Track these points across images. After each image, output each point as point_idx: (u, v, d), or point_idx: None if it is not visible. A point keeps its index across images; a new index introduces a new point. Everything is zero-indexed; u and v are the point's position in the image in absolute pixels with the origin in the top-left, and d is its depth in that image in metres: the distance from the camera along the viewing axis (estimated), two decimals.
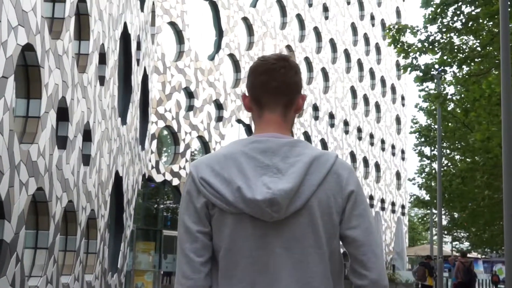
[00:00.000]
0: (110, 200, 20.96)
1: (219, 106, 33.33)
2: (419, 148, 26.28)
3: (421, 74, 12.17)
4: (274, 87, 2.20)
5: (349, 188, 2.12)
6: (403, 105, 61.45)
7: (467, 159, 21.84)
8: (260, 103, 2.23)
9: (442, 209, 33.82)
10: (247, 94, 2.28)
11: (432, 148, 25.11)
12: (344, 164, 2.16)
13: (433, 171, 25.63)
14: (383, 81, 56.66)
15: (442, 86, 19.10)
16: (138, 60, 23.66)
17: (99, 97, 17.97)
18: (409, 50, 12.99)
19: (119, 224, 22.38)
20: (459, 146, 23.05)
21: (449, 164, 23.16)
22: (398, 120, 59.94)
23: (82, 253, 16.69)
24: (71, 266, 15.90)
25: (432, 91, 22.78)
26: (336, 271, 2.14)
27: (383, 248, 38.15)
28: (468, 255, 34.85)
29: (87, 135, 17.11)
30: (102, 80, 18.55)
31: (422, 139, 24.89)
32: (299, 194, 2.05)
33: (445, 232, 35.67)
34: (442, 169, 20.13)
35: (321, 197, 2.07)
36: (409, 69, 12.48)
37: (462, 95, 22.07)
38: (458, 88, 20.68)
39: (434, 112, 23.03)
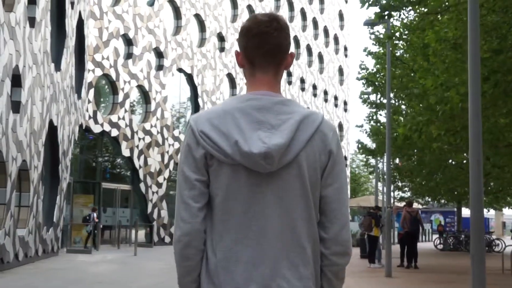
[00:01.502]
0: (44, 150, 19.89)
1: (159, 54, 32.12)
2: (365, 96, 25.81)
3: (379, 10, 11.43)
4: (267, 50, 2.31)
5: (330, 147, 2.29)
6: (346, 56, 61.14)
7: (411, 108, 21.48)
8: (253, 63, 2.35)
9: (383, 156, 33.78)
10: (239, 51, 2.39)
11: (379, 96, 24.67)
12: (329, 124, 2.33)
13: (379, 118, 25.25)
14: (326, 31, 56.06)
15: (391, 30, 18.46)
16: (72, 3, 22.26)
17: (29, 39, 16.70)
18: None
19: (55, 177, 21.30)
20: (403, 96, 22.66)
21: (397, 115, 22.74)
22: (341, 71, 59.67)
23: (13, 206, 15.66)
24: (0, 220, 14.87)
25: (381, 35, 22.28)
26: (317, 219, 2.33)
27: None
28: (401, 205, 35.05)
29: (17, 80, 15.90)
30: (32, 21, 17.26)
31: (369, 87, 24.37)
32: (290, 149, 2.20)
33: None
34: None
35: (308, 153, 2.24)
36: (367, 4, 11.70)
37: (408, 41, 21.60)
38: (407, 33, 20.12)
39: (383, 56, 22.49)
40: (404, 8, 12.42)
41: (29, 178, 17.20)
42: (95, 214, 25.89)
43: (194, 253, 2.25)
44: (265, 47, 2.31)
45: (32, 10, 17.10)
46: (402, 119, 21.94)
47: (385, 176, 35.69)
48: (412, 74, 21.09)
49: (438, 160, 21.40)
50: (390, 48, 17.56)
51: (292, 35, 48.57)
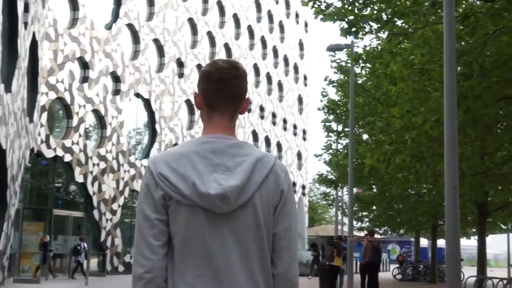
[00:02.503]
0: None
1: (116, 79, 31.38)
2: (326, 124, 25.43)
3: (346, 26, 11.00)
4: (227, 96, 2.43)
5: (282, 187, 2.41)
6: (305, 85, 61.15)
7: (373, 137, 21.19)
8: (211, 106, 2.45)
9: (344, 187, 33.45)
10: (198, 93, 2.49)
11: (341, 124, 24.30)
12: (282, 166, 2.46)
13: (343, 147, 24.83)
14: (286, 60, 56.01)
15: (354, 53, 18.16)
16: (25, 24, 21.46)
17: None
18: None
19: (2, 202, 20.26)
20: (365, 124, 22.37)
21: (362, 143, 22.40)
22: (300, 100, 59.58)
23: None
24: None
25: (343, 63, 22.01)
26: (270, 257, 2.42)
27: None
28: (360, 235, 34.69)
29: None
30: None
31: (330, 115, 24.01)
32: (246, 190, 2.32)
33: (347, 211, 35.33)
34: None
35: (262, 193, 2.36)
36: (320, 16, 11.25)
37: (371, 68, 21.35)
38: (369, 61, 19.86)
39: (345, 84, 22.18)
40: (370, 26, 12.03)
41: None
42: (85, 244, 26.27)
43: None
44: (225, 93, 2.43)
45: None
46: (364, 148, 21.60)
47: (344, 206, 35.42)
48: (373, 103, 20.84)
49: (401, 190, 21.07)
50: (354, 73, 17.22)
51: (252, 63, 48.36)
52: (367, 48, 21.39)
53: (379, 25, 11.43)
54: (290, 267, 2.42)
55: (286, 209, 2.41)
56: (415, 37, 12.55)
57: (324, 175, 26.62)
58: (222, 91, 2.42)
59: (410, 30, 12.28)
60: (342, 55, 23.20)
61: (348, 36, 11.31)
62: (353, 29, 11.26)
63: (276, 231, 2.40)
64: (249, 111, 47.63)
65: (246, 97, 2.53)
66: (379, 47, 19.68)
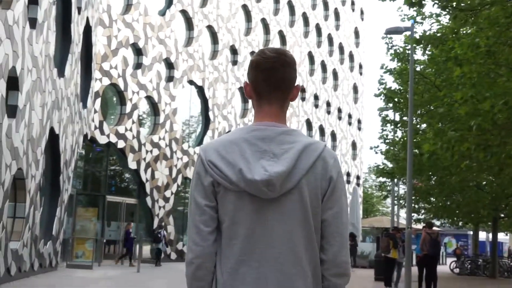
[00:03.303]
0: (45, 160, 18.86)
1: (169, 65, 31.16)
2: (382, 114, 24.64)
3: None
4: (273, 83, 2.47)
5: (331, 174, 2.43)
6: (361, 73, 60.09)
7: (432, 127, 20.38)
8: (260, 95, 2.50)
9: (401, 179, 32.55)
10: (247, 82, 2.54)
11: (398, 113, 23.46)
12: (331, 153, 2.47)
13: (400, 138, 23.96)
14: (341, 48, 55.06)
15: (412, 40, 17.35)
16: (79, 8, 21.34)
17: (29, 40, 15.71)
18: None
19: (55, 187, 20.23)
20: (424, 113, 21.53)
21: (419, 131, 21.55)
22: (355, 89, 58.59)
23: (5, 217, 14.60)
24: None
25: (400, 49, 21.21)
26: (318, 244, 2.44)
27: None
28: (416, 227, 33.72)
29: (13, 83, 14.91)
30: (33, 22, 16.26)
31: (388, 103, 23.19)
32: (291, 176, 2.35)
33: (403, 203, 34.44)
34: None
35: (310, 180, 2.39)
36: None
37: (430, 55, 20.52)
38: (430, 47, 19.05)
39: (404, 72, 21.34)
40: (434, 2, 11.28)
41: (25, 188, 16.16)
42: (165, 232, 27.65)
43: (205, 274, 2.40)
44: (272, 81, 2.46)
45: (33, 10, 16.16)
46: (422, 137, 20.76)
47: (400, 198, 34.50)
48: (433, 90, 19.99)
49: (462, 181, 20.17)
50: (413, 59, 16.45)
51: (306, 51, 47.65)
52: (428, 33, 20.59)
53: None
54: (340, 253, 2.41)
55: (335, 195, 2.43)
56: (482, 16, 11.76)
57: (380, 166, 25.75)
58: (269, 79, 2.46)
59: (477, 6, 11.49)
60: (399, 42, 22.46)
61: (412, 7, 10.62)
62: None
63: (325, 217, 2.42)
64: (303, 99, 46.99)
65: (296, 84, 2.53)
66: (440, 32, 18.85)
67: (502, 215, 29.81)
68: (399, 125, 23.95)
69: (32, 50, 15.96)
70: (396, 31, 17.06)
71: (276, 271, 2.34)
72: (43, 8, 16.84)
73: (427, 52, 22.38)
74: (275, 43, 42.58)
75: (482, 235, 52.99)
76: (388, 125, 24.99)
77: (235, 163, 2.35)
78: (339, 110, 54.41)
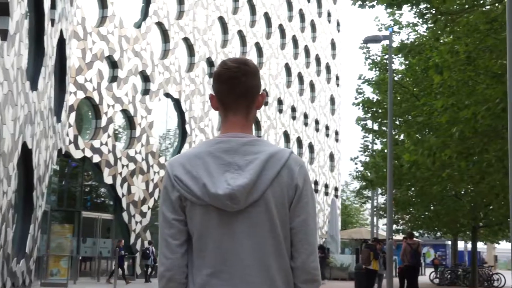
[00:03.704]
0: (18, 175, 18.38)
1: (145, 78, 30.82)
2: (361, 123, 24.47)
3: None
4: (236, 93, 2.47)
5: (297, 182, 2.42)
6: (338, 85, 60.15)
7: (410, 137, 20.26)
8: (224, 106, 2.51)
9: (380, 189, 32.43)
10: (213, 94, 2.55)
11: (376, 123, 23.29)
12: (297, 160, 2.45)
13: (380, 149, 23.79)
14: (318, 60, 55.09)
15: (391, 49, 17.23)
16: (52, 21, 20.94)
17: None
18: None
19: (28, 204, 19.72)
20: (402, 123, 21.40)
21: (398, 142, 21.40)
22: (332, 100, 58.60)
23: None
24: None
25: (378, 58, 21.15)
26: (289, 252, 2.44)
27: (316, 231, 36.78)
28: (397, 238, 33.57)
29: None
30: (4, 34, 15.83)
31: (367, 114, 23.05)
32: (256, 188, 2.35)
33: (382, 213, 34.32)
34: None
35: (275, 189, 2.38)
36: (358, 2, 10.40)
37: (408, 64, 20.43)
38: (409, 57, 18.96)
39: (381, 82, 21.24)
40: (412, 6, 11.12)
41: None
42: (153, 248, 27.74)
43: (176, 286, 2.41)
44: (235, 91, 2.46)
45: (4, 21, 15.76)
46: (401, 148, 20.58)
47: (379, 208, 34.37)
48: (411, 100, 19.88)
49: (442, 190, 20.03)
50: (391, 68, 16.31)
51: (283, 62, 47.57)
52: (405, 42, 20.53)
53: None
54: (309, 259, 2.42)
55: (301, 203, 2.42)
56: (461, 23, 11.62)
57: (361, 172, 25.43)
58: (232, 89, 2.47)
59: (456, 7, 11.33)
60: (376, 51, 22.32)
61: (390, 8, 10.43)
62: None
63: (293, 225, 2.42)
64: (281, 111, 46.84)
65: (261, 92, 2.55)
66: (417, 42, 18.77)
67: (481, 224, 29.76)
68: (377, 135, 23.83)
69: (3, 63, 15.55)
70: (375, 39, 16.94)
71: (246, 282, 2.36)
72: (15, 20, 16.44)
73: (404, 61, 22.33)
74: (252, 55, 42.44)
75: (460, 245, 53.05)
76: (368, 134, 24.86)
77: (199, 177, 2.37)
78: (317, 122, 54.35)
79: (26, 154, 18.69)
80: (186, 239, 2.43)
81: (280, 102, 46.89)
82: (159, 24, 32.20)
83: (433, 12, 11.80)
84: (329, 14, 58.19)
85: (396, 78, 20.83)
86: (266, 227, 2.38)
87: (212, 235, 2.38)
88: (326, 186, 55.56)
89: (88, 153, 26.69)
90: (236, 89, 2.47)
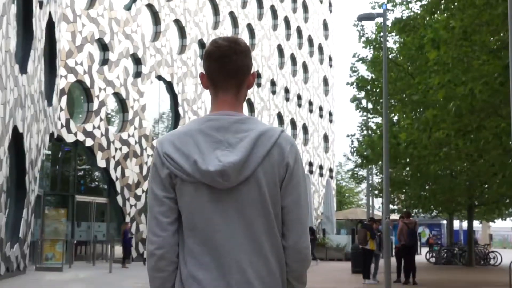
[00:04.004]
0: (9, 159, 18.19)
1: (137, 61, 30.51)
2: (356, 102, 24.26)
3: None
4: (227, 72, 2.47)
5: (287, 160, 2.40)
6: (331, 66, 59.87)
7: (405, 116, 20.09)
8: (215, 85, 2.50)
9: (375, 168, 32.31)
10: (203, 73, 2.54)
11: (372, 101, 23.09)
12: (288, 139, 2.44)
13: (375, 127, 23.61)
14: (310, 41, 54.76)
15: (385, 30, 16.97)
16: (41, 3, 20.62)
17: None
18: None
19: (21, 188, 19.51)
20: (397, 102, 21.21)
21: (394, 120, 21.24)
22: (325, 81, 58.35)
23: None
24: None
25: (373, 35, 20.94)
26: (280, 230, 2.44)
27: (311, 212, 36.47)
28: (392, 217, 33.50)
29: None
30: None
31: (361, 92, 22.84)
32: (247, 165, 2.34)
33: (376, 193, 34.26)
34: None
35: (266, 167, 2.37)
36: None
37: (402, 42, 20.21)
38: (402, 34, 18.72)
39: (376, 60, 21.02)
40: None
41: None
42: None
43: (167, 264, 2.40)
44: (225, 69, 2.46)
45: None
46: (396, 128, 20.37)
47: (373, 188, 34.28)
48: (406, 78, 19.69)
49: (438, 169, 19.87)
50: (386, 46, 16.09)
51: (275, 44, 47.25)
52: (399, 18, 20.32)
53: None
54: (300, 239, 2.43)
55: (293, 182, 2.41)
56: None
57: (358, 148, 25.20)
58: (223, 68, 2.46)
59: None
60: (371, 30, 22.02)
61: None
62: None
63: (284, 204, 2.41)
64: (274, 93, 46.60)
65: (252, 72, 2.54)
66: (411, 20, 18.55)
67: (477, 203, 29.70)
68: (372, 113, 23.66)
69: None
70: (368, 17, 16.68)
71: (238, 260, 2.35)
72: (1, 2, 16.14)
73: (398, 40, 22.11)
74: (244, 36, 42.11)
75: (456, 224, 53.18)
76: (363, 113, 24.68)
77: (190, 154, 2.36)
78: (310, 103, 54.14)
79: (17, 138, 18.48)
80: (176, 217, 2.41)
81: (273, 83, 46.63)
82: (149, 6, 31.84)
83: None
84: None
85: (390, 57, 20.62)
86: (257, 205, 2.37)
87: (202, 213, 2.37)
88: (321, 167, 55.46)
89: (81, 137, 26.44)
90: (227, 67, 2.46)
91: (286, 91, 49.14)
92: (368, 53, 22.15)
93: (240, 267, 2.34)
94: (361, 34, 21.28)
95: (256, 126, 2.41)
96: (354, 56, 22.36)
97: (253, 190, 2.36)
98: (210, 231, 2.36)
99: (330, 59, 59.67)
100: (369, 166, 24.43)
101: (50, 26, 22.61)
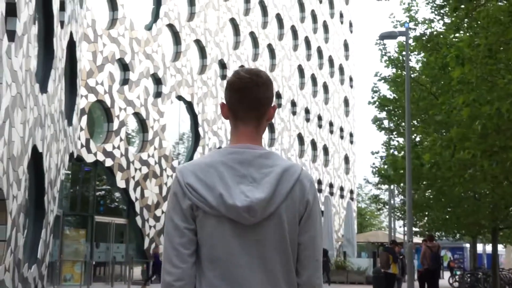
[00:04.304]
0: (29, 179, 18.06)
1: (157, 81, 30.48)
2: (378, 123, 23.93)
3: None
4: (247, 103, 2.45)
5: (308, 198, 2.42)
6: (351, 86, 59.60)
7: (427, 137, 19.74)
8: (235, 116, 2.49)
9: (397, 187, 31.81)
10: (224, 103, 2.53)
11: (394, 121, 22.72)
12: (307, 176, 2.46)
13: (398, 147, 23.25)
14: (331, 61, 54.59)
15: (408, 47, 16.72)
16: (62, 22, 20.62)
17: (7, 54, 14.98)
18: None
19: (40, 208, 19.37)
20: (419, 122, 20.85)
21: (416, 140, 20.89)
22: (346, 102, 58.05)
23: None
24: None
25: (395, 54, 20.68)
26: (295, 267, 2.43)
27: (332, 235, 36.01)
28: (414, 240, 32.91)
29: None
30: (11, 35, 15.54)
31: (382, 112, 22.51)
32: (272, 201, 2.34)
33: (399, 215, 33.74)
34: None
35: (288, 204, 2.37)
36: None
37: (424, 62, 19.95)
38: (424, 53, 18.45)
39: (397, 79, 20.73)
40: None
41: (6, 209, 15.34)
42: None
43: None
44: (246, 101, 2.45)
45: (12, 22, 15.44)
46: (419, 149, 19.99)
47: (396, 210, 33.78)
48: (429, 98, 19.37)
49: (464, 191, 19.43)
50: (408, 64, 15.80)
51: (296, 64, 47.14)
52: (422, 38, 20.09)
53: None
54: (314, 275, 2.43)
55: (311, 219, 2.42)
56: (481, 14, 11.12)
57: (379, 168, 24.81)
58: (243, 100, 2.45)
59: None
60: (392, 50, 21.81)
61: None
62: None
63: (301, 241, 2.42)
64: (294, 113, 46.38)
65: (272, 105, 2.54)
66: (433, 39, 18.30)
67: (501, 226, 29.09)
68: (394, 133, 23.31)
69: (11, 64, 15.22)
70: (391, 35, 16.47)
71: None
72: (22, 21, 16.13)
73: (420, 59, 21.83)
74: (264, 57, 42.06)
75: (479, 248, 52.32)
76: (385, 134, 24.36)
77: (214, 187, 2.33)
78: (331, 124, 53.84)
79: (36, 158, 18.37)
80: (195, 249, 2.39)
81: (293, 104, 46.44)
82: (170, 26, 31.88)
83: (451, 1, 11.32)
84: (341, 15, 57.70)
85: (412, 76, 20.31)
86: (278, 242, 2.38)
87: (224, 247, 2.35)
88: (341, 188, 55.00)
89: (101, 157, 26.37)
90: (247, 99, 2.46)
91: (307, 111, 48.92)
92: (390, 72, 21.86)
93: None
94: (383, 53, 21.04)
95: (279, 162, 2.41)
96: (376, 75, 22.11)
97: (275, 227, 2.36)
98: (231, 265, 2.35)
99: (350, 79, 59.43)
100: (391, 187, 23.97)
101: (71, 46, 22.62)
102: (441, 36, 17.63)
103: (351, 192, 57.62)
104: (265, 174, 2.36)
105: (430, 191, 22.25)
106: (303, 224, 2.41)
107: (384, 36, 16.65)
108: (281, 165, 2.39)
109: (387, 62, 21.12)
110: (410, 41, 19.20)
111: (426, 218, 30.17)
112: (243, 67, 2.55)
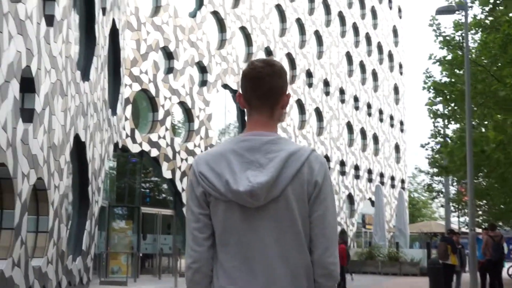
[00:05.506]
0: (73, 169, 17.62)
1: (202, 69, 29.85)
2: (432, 108, 22.80)
3: None
4: (260, 93, 2.55)
5: (316, 179, 2.48)
6: (401, 73, 58.11)
7: (489, 118, 18.61)
8: (250, 104, 2.59)
9: (451, 177, 30.54)
10: (240, 93, 2.62)
11: (452, 107, 21.54)
12: (318, 158, 2.51)
13: (455, 134, 22.09)
14: (380, 48, 53.22)
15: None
16: (104, 9, 20.09)
17: (45, 39, 14.44)
18: None
19: (84, 199, 18.91)
20: (479, 103, 19.66)
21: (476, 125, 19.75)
22: (396, 89, 56.61)
23: (24, 231, 13.32)
24: (7, 247, 12.50)
25: (450, 34, 19.53)
26: (309, 247, 2.50)
27: (383, 225, 34.92)
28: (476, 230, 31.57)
29: (28, 85, 13.65)
30: (50, 19, 14.98)
31: (436, 97, 21.37)
32: (276, 185, 2.43)
33: (455, 206, 32.47)
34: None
35: (295, 186, 2.45)
36: None
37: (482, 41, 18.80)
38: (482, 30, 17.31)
39: (454, 61, 19.57)
40: None
41: (48, 200, 14.86)
42: None
43: (202, 277, 2.51)
44: (259, 90, 2.54)
45: (50, 6, 14.91)
46: (478, 134, 18.84)
47: (450, 200, 32.47)
48: (487, 80, 18.20)
49: None
50: (469, 34, 14.71)
51: (344, 51, 46.02)
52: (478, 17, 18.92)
53: None
54: (325, 254, 2.46)
55: (320, 198, 2.48)
56: None
57: (435, 159, 23.63)
58: (257, 89, 2.54)
59: None
60: (447, 30, 20.68)
61: None
62: None
63: (311, 220, 2.48)
64: (343, 101, 45.30)
65: (287, 92, 2.60)
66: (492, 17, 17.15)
67: None
68: (451, 119, 22.14)
69: (50, 49, 14.69)
70: (448, 10, 15.43)
71: (268, 276, 2.42)
72: (62, 5, 15.59)
73: (477, 40, 20.69)
74: (312, 44, 41.07)
75: None
76: (438, 119, 23.17)
77: (222, 174, 2.44)
78: (380, 112, 52.54)
79: (79, 148, 17.89)
80: (211, 233, 2.51)
81: (342, 91, 45.36)
82: (215, 13, 31.20)
83: None
84: (390, 1, 56.23)
85: (470, 57, 19.14)
86: (287, 223, 2.44)
87: (234, 230, 2.46)
88: (392, 178, 53.69)
89: (146, 147, 25.88)
90: (261, 88, 2.53)
91: (356, 99, 47.77)
92: (445, 54, 20.69)
93: (269, 282, 2.41)
94: (438, 34, 19.93)
95: (287, 146, 2.48)
96: (430, 58, 21.01)
97: (282, 208, 2.43)
98: (242, 248, 2.45)
99: (400, 66, 57.94)
100: (450, 174, 22.80)
101: (114, 34, 22.11)
102: (499, 13, 16.50)
103: (402, 181, 56.24)
104: (270, 159, 2.44)
105: (487, 179, 21.05)
106: (312, 204, 2.47)
107: (441, 11, 15.62)
108: (287, 150, 2.46)
109: (442, 43, 19.99)
110: (469, 19, 18.08)
111: (481, 207, 28.88)
112: (258, 58, 2.60)
